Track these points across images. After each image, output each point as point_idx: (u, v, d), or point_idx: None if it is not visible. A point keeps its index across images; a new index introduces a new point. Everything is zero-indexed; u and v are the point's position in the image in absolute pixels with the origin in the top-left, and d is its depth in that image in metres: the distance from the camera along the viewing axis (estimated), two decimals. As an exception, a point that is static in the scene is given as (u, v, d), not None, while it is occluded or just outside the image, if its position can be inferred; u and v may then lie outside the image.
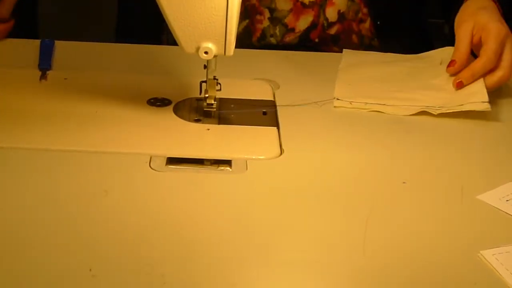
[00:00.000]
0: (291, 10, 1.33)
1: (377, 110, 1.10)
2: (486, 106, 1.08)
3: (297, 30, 1.35)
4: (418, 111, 1.10)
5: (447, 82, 1.16)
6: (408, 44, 1.35)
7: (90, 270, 0.73)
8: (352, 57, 1.27)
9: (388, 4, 1.37)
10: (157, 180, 0.90)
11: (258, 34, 1.38)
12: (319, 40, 1.31)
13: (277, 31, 1.37)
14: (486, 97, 1.09)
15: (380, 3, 1.36)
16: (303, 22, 1.34)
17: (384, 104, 1.11)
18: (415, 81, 1.18)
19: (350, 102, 1.11)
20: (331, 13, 1.34)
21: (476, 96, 1.11)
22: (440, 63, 1.22)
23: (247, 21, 1.36)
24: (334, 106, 1.10)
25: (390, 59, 1.26)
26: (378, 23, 1.35)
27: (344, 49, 1.29)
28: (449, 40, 1.21)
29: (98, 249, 0.77)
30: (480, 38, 1.13)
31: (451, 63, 1.15)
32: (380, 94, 1.14)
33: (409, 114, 1.10)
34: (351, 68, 1.22)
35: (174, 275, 0.74)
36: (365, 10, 1.35)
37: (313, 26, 1.29)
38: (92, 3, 2.63)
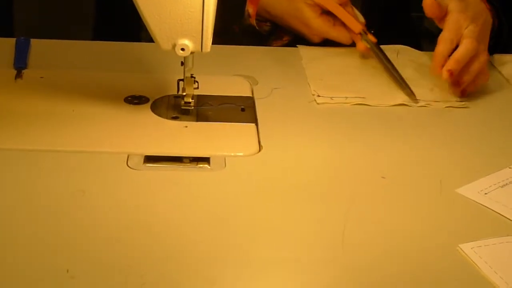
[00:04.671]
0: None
1: (358, 103, 1.10)
2: (461, 105, 1.12)
3: (284, 39, 1.36)
4: (398, 103, 1.11)
5: (413, 73, 1.19)
6: None
7: (68, 271, 0.72)
8: (310, 51, 1.27)
9: (383, 13, 1.37)
10: (135, 179, 0.89)
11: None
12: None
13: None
14: (458, 98, 1.13)
15: (374, 12, 1.36)
16: (294, 33, 1.34)
17: (363, 97, 1.11)
18: (384, 71, 1.19)
19: (331, 98, 1.11)
20: None
21: (450, 94, 1.14)
22: (397, 55, 1.25)
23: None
24: (317, 103, 1.10)
25: (345, 51, 1.27)
26: (372, 31, 1.35)
27: (298, 45, 1.29)
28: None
29: (75, 249, 0.76)
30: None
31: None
32: (355, 86, 1.15)
33: (389, 105, 1.10)
34: (315, 63, 1.23)
35: (153, 275, 0.73)
36: None
37: (301, 36, 1.29)
38: (70, 0, 2.61)
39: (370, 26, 1.34)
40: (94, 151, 0.93)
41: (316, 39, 1.28)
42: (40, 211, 0.82)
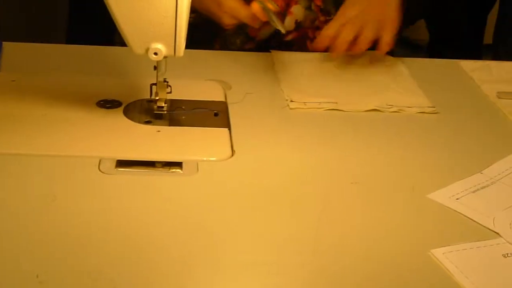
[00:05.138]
0: None
1: (331, 108, 1.11)
2: (433, 110, 1.13)
3: (257, 39, 1.36)
4: (370, 108, 1.11)
5: (385, 78, 1.21)
6: None
7: (37, 276, 0.72)
8: (283, 56, 1.27)
9: None
10: (107, 183, 0.88)
11: (219, 41, 1.37)
12: (275, 46, 1.31)
13: (238, 40, 1.37)
14: (430, 103, 1.14)
15: None
16: (264, 32, 1.34)
17: (336, 103, 1.12)
18: (357, 77, 1.20)
19: (305, 103, 1.11)
20: (288, 22, 1.34)
21: (422, 100, 1.15)
22: (370, 62, 1.26)
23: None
24: (291, 108, 1.10)
25: (318, 56, 1.27)
26: None
27: (271, 50, 1.29)
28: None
29: (45, 254, 0.75)
30: None
31: None
32: (328, 91, 1.15)
33: (362, 110, 1.11)
34: (288, 68, 1.23)
35: (123, 279, 0.73)
36: (322, 18, 1.36)
37: (272, 35, 1.29)
38: (43, 3, 2.59)
39: None
40: (65, 155, 0.93)
41: (226, 19, 1.23)
42: (10, 215, 0.81)
